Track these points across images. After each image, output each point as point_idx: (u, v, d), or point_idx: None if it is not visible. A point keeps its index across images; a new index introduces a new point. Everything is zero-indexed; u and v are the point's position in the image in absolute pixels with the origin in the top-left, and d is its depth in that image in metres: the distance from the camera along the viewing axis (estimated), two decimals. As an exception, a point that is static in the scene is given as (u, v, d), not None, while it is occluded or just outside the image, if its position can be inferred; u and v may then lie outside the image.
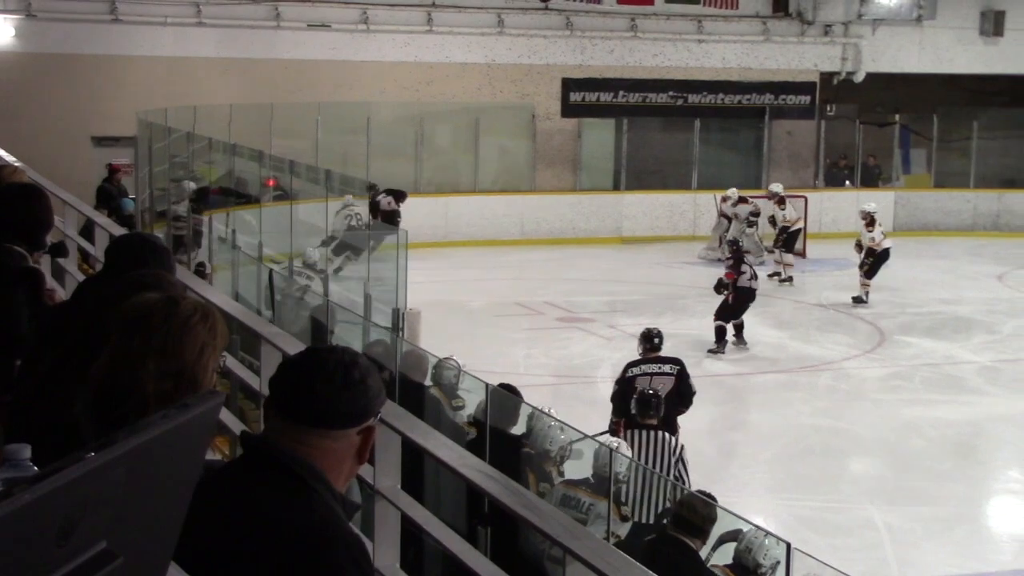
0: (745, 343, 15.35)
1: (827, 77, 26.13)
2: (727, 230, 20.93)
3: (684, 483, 8.21)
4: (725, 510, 6.22)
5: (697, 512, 6.21)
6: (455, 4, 23.22)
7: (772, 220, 21.17)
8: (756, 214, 21.25)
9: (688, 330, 16.53)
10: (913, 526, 9.79)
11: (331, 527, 2.26)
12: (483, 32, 23.54)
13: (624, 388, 9.57)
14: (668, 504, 7.74)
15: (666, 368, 9.71)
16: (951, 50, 26.68)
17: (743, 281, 15.27)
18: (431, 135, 23.69)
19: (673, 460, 8.38)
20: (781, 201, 20.44)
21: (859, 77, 26.10)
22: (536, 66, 24.07)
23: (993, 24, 26.64)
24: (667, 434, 8.48)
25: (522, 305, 17.85)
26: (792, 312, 18.08)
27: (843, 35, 25.95)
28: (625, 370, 9.79)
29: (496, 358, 14.46)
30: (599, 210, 23.87)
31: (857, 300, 18.07)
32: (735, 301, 15.23)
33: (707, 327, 16.75)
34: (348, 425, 2.32)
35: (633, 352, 15.01)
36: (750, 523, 6.12)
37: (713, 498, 6.64)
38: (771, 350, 15.62)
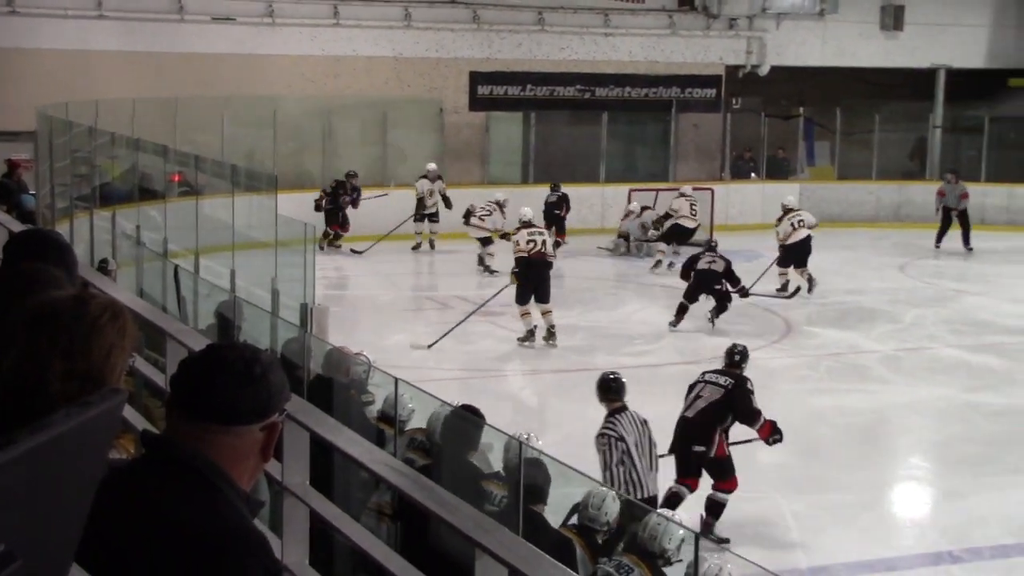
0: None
1: (732, 70, 26.40)
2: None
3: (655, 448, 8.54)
4: (634, 501, 6.27)
5: (536, 481, 6.31)
6: (362, -2, 23.14)
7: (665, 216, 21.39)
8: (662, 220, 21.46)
9: (597, 322, 16.64)
10: (819, 513, 9.92)
11: (235, 525, 2.24)
12: (390, 25, 23.46)
13: (687, 393, 9.73)
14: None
15: (721, 380, 9.63)
16: (853, 44, 27.09)
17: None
18: (339, 129, 23.56)
19: (647, 430, 8.51)
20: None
21: (764, 70, 26.41)
22: (444, 60, 24.04)
23: (893, 18, 27.10)
24: (634, 411, 8.56)
25: (431, 299, 17.82)
26: (699, 304, 18.21)
27: (748, 29, 26.22)
28: (698, 375, 9.93)
29: (406, 353, 14.44)
30: (508, 204, 23.87)
31: (779, 291, 18.29)
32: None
33: (617, 318, 16.88)
34: (250, 421, 2.30)
35: (544, 348, 15.14)
36: (656, 511, 6.18)
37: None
38: (680, 341, 15.75)
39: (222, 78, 21.99)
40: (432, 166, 22.13)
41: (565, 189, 22.35)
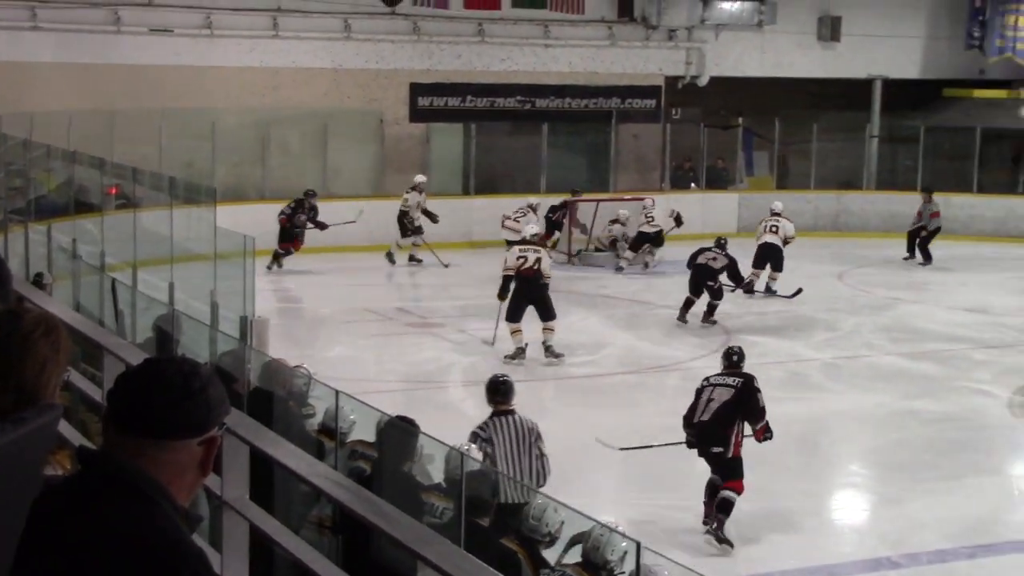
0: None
1: (672, 81, 26.54)
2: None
3: (546, 459, 8.44)
4: (576, 511, 6.27)
5: (481, 494, 6.31)
6: (300, 9, 23.03)
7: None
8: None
9: (539, 333, 16.62)
10: (759, 521, 9.98)
11: (173, 541, 2.22)
12: (329, 37, 23.38)
13: (694, 398, 9.95)
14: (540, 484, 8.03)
15: (730, 381, 9.89)
16: (791, 55, 27.32)
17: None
18: (278, 141, 23.44)
19: (532, 439, 8.42)
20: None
21: (703, 81, 26.56)
22: (384, 71, 24.00)
23: (830, 29, 27.37)
24: (521, 416, 8.48)
25: (372, 311, 17.77)
26: (641, 314, 18.31)
27: (687, 40, 26.37)
28: (701, 381, 10.14)
29: (346, 365, 14.39)
30: (449, 214, 23.82)
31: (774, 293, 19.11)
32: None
33: (559, 328, 16.88)
34: (188, 436, 2.29)
35: (486, 356, 15.14)
36: (598, 522, 6.18)
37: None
38: (621, 351, 15.81)
39: (160, 90, 21.82)
40: (421, 178, 21.99)
41: (515, 200, 22.34)
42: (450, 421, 11.98)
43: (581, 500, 8.86)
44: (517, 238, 19.66)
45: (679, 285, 20.18)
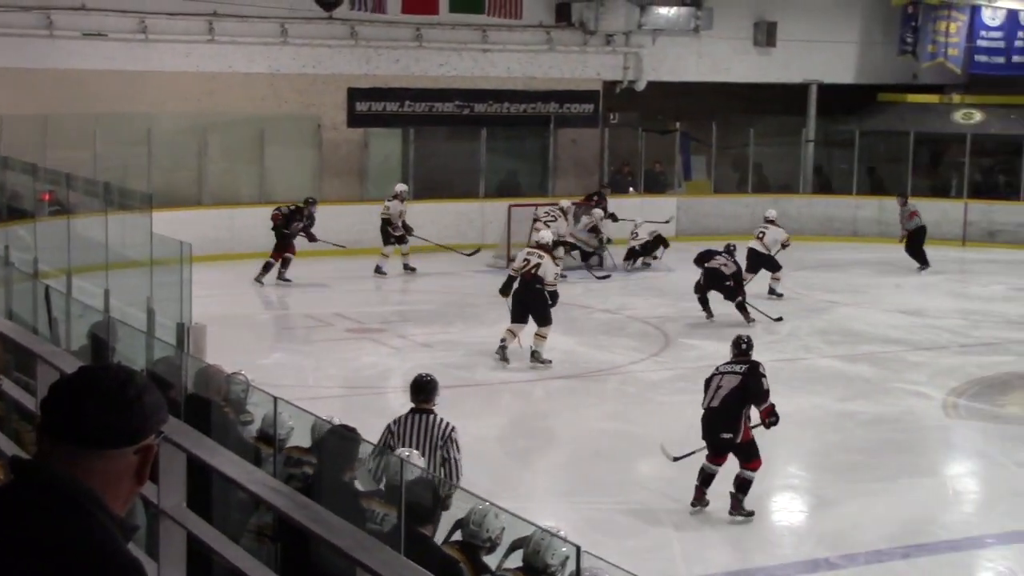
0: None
1: (610, 86, 26.63)
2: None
3: (452, 464, 8.32)
4: (515, 516, 6.27)
5: (423, 501, 6.28)
6: (237, 13, 22.86)
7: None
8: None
9: (479, 338, 16.64)
10: (699, 524, 10.03)
11: (108, 551, 2.19)
12: (266, 42, 23.25)
13: (704, 387, 10.42)
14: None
15: (737, 368, 10.35)
16: (727, 60, 27.50)
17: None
18: (215, 146, 23.27)
19: (440, 442, 8.36)
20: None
21: (640, 86, 26.67)
22: (321, 76, 23.90)
23: (766, 35, 27.56)
24: (437, 417, 8.46)
25: (311, 317, 17.69)
26: (580, 318, 18.34)
27: (624, 45, 26.46)
28: (712, 371, 10.58)
29: (285, 371, 14.32)
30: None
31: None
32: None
33: (499, 334, 16.89)
34: (123, 444, 2.26)
35: (425, 361, 15.11)
36: (539, 527, 6.17)
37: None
38: (560, 355, 15.81)
39: (94, 95, 21.60)
40: (402, 187, 21.87)
41: (454, 205, 22.38)
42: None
43: (522, 504, 8.89)
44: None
45: (618, 289, 20.32)
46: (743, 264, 18.67)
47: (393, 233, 21.22)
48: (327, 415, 7.71)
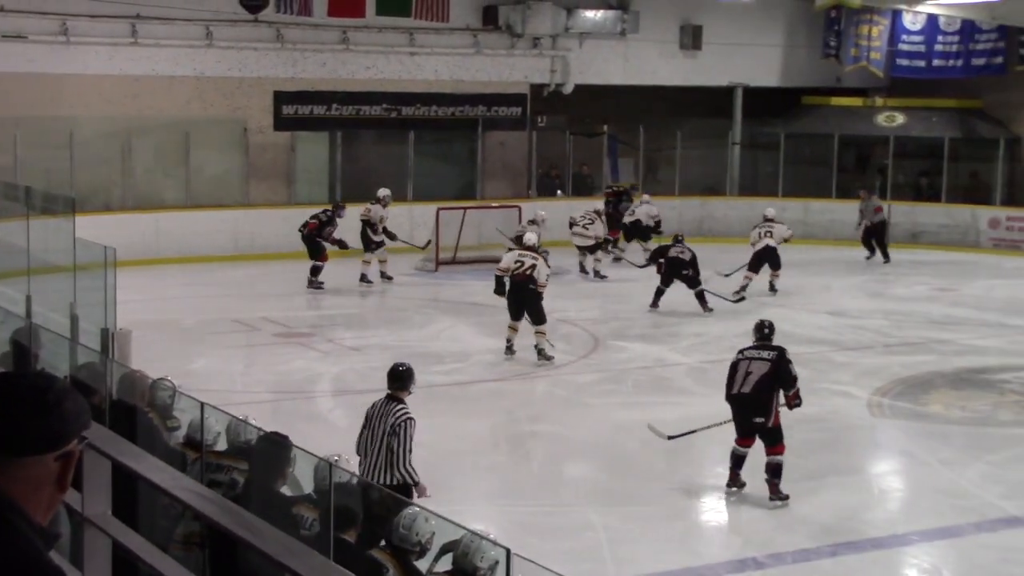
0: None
1: (537, 89, 26.68)
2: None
3: (398, 451, 8.52)
4: (446, 520, 6.25)
5: (349, 505, 6.26)
6: (160, 16, 22.64)
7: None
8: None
9: (408, 341, 16.61)
10: (629, 526, 10.06)
11: (29, 560, 2.15)
12: (191, 45, 23.04)
13: (729, 371, 10.81)
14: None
15: (764, 354, 10.74)
16: (654, 63, 27.65)
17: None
18: (139, 150, 23.02)
19: (389, 430, 8.53)
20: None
21: (568, 89, 26.74)
22: (247, 79, 23.73)
23: (692, 38, 27.75)
24: (399, 406, 8.65)
25: (238, 322, 17.56)
26: (508, 321, 18.34)
27: (551, 48, 26.53)
28: (736, 355, 10.98)
29: (212, 376, 14.20)
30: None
31: (736, 293, 19.87)
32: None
33: (427, 337, 16.87)
34: (43, 451, 2.22)
35: (354, 365, 15.07)
36: (469, 530, 6.16)
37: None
38: (489, 358, 15.83)
39: (14, 98, 21.30)
40: (385, 192, 21.52)
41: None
42: (319, 432, 11.91)
43: (452, 508, 8.86)
44: (589, 243, 21.78)
45: (548, 292, 20.32)
46: (747, 261, 20.24)
47: (373, 238, 20.84)
48: (242, 415, 7.67)
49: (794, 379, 10.71)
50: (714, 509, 11.13)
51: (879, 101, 28.67)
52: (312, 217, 20.37)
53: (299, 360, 15.49)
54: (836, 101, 28.90)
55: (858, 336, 17.53)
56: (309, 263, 20.20)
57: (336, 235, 20.31)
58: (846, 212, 26.58)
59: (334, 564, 3.41)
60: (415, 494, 8.63)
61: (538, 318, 15.44)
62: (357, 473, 7.98)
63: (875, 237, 24.37)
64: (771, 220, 21.07)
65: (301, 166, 24.52)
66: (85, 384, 7.33)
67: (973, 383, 15.07)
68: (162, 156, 23.45)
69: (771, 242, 20.57)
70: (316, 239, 20.16)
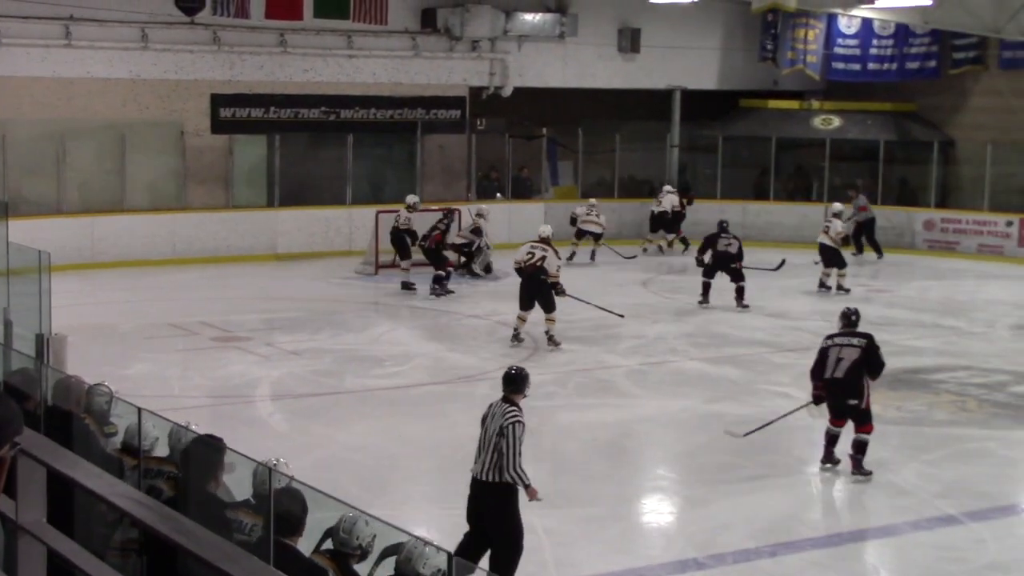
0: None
1: (476, 92, 26.67)
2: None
3: (507, 453, 8.61)
4: (387, 524, 6.22)
5: (292, 511, 6.21)
6: (95, 18, 22.39)
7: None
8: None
9: (347, 345, 16.54)
10: (570, 528, 10.06)
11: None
12: (126, 47, 22.81)
13: (819, 356, 11.53)
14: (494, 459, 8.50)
15: (855, 341, 11.41)
16: (592, 66, 27.73)
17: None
18: (74, 153, 22.76)
19: (497, 430, 8.66)
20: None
21: (507, 92, 26.76)
22: (184, 82, 23.53)
23: (630, 41, 27.87)
24: (510, 408, 8.78)
25: (176, 326, 17.40)
26: (448, 324, 18.34)
27: (490, 51, 26.53)
28: (824, 341, 11.63)
29: (149, 381, 14.07)
30: (253, 227, 23.58)
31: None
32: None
33: (366, 340, 16.81)
34: (-27, 457, 2.18)
35: (293, 369, 14.98)
36: (411, 535, 6.13)
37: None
38: (429, 361, 15.80)
39: (-55, 101, 21.02)
40: (414, 198, 21.59)
41: (321, 212, 22.18)
42: (259, 436, 11.83)
43: (394, 512, 8.83)
44: (600, 231, 24.16)
45: (487, 295, 20.34)
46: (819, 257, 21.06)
47: (410, 244, 20.68)
48: (184, 421, 7.60)
49: (881, 365, 11.41)
50: (655, 511, 11.16)
51: (816, 104, 28.93)
52: (432, 230, 20.51)
53: (238, 364, 15.38)
54: (773, 104, 29.13)
55: (797, 337, 17.64)
56: (254, 267, 20.12)
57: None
58: (784, 214, 26.82)
59: (273, 569, 3.38)
60: (524, 496, 8.77)
61: (548, 307, 16.34)
62: (295, 477, 7.91)
63: (863, 234, 24.79)
64: (835, 216, 21.52)
65: (239, 169, 24.35)
66: (19, 390, 7.23)
67: (909, 383, 15.22)
68: (97, 159, 23.20)
69: (825, 239, 21.06)
70: (442, 250, 20.43)
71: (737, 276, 19.29)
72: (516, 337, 16.59)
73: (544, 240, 16.68)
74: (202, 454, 6.74)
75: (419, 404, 14.09)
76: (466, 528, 8.80)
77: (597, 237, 24.08)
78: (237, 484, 6.81)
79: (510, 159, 26.91)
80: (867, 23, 27.48)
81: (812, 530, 10.34)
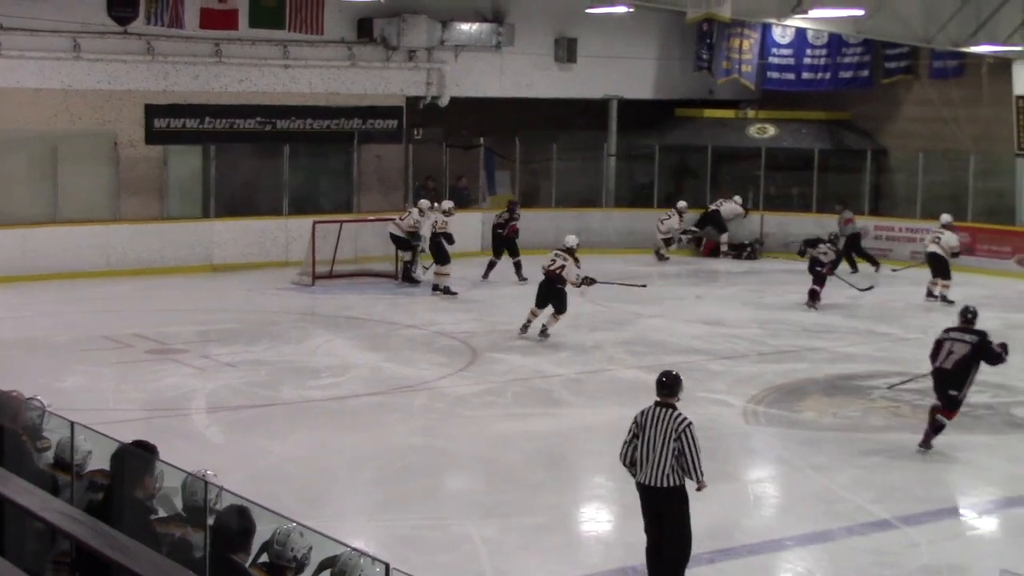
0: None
1: (413, 101, 26.64)
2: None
3: (688, 455, 8.72)
4: (323, 536, 6.19)
5: (231, 527, 6.17)
6: (25, 27, 22.13)
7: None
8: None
9: (284, 356, 16.45)
10: (509, 537, 10.06)
11: None
12: (58, 57, 22.57)
13: (935, 346, 12.52)
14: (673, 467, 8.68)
15: (967, 337, 12.37)
16: (529, 75, 27.79)
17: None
18: (4, 164, 22.46)
19: (675, 434, 8.70)
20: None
21: (444, 101, 26.76)
22: (117, 92, 23.31)
23: (567, 51, 27.96)
24: (676, 411, 8.84)
25: (110, 338, 17.23)
26: (386, 334, 18.28)
27: (427, 61, 26.52)
28: (941, 333, 12.63)
29: (83, 395, 13.92)
30: (188, 238, 23.40)
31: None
32: None
33: (303, 351, 16.72)
34: None
35: (230, 381, 14.87)
36: (348, 547, 6.10)
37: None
38: (367, 372, 15.74)
39: None
40: (449, 203, 22.74)
41: (257, 222, 22.07)
42: (194, 449, 11.73)
43: (331, 524, 8.78)
44: (668, 236, 26.13)
45: (425, 305, 20.31)
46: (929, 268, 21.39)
47: (449, 244, 21.62)
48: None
49: (997, 356, 12.36)
50: (595, 519, 11.18)
51: (751, 113, 29.15)
52: (509, 222, 22.99)
53: (173, 377, 15.24)
54: (709, 113, 29.32)
55: (733, 345, 17.76)
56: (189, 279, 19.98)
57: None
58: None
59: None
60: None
61: (560, 308, 17.75)
62: (224, 487, 7.83)
63: (853, 249, 24.80)
64: (945, 227, 21.57)
65: (174, 180, 24.16)
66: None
67: (844, 389, 15.36)
68: (28, 170, 22.93)
69: (936, 249, 21.23)
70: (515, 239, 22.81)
71: (820, 280, 20.50)
72: (524, 328, 17.74)
73: (568, 250, 17.94)
74: (129, 459, 6.66)
75: (356, 415, 14.03)
76: (402, 537, 8.75)
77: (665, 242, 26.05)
78: (170, 497, 6.76)
79: (447, 169, 26.89)
80: (801, 33, 27.73)
81: (749, 536, 10.40)
